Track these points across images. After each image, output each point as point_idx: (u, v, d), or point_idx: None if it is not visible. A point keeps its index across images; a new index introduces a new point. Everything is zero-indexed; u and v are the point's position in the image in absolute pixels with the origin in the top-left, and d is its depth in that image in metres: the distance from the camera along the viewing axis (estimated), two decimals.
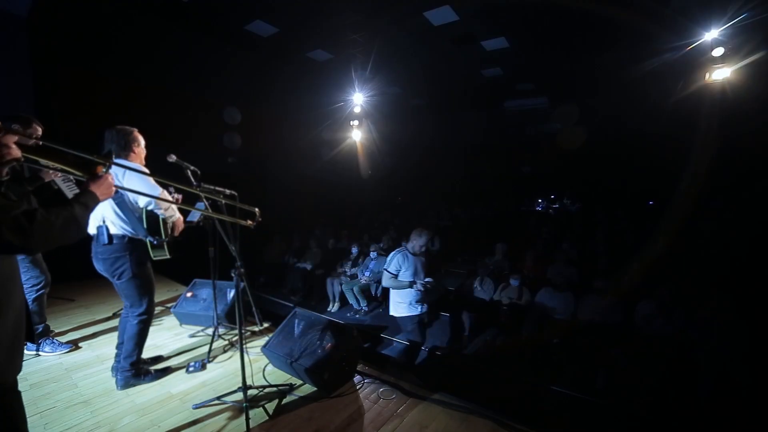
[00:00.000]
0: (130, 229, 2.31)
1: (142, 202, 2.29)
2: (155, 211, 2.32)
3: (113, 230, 2.30)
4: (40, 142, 1.45)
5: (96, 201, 1.36)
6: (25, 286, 2.91)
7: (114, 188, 1.46)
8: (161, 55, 6.42)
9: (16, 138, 1.23)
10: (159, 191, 2.27)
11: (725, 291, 3.76)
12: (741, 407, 3.04)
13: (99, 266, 2.38)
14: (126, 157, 2.33)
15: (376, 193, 11.91)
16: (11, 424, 1.24)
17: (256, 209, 2.20)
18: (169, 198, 2.38)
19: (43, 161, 1.35)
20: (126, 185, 2.17)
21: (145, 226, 2.31)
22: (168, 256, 2.46)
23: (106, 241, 2.29)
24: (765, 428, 2.92)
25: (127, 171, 2.17)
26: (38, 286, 2.96)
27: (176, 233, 2.53)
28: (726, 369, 3.16)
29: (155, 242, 2.35)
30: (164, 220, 2.37)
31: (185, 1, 5.28)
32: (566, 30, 6.12)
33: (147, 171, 2.25)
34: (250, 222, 2.17)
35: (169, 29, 6.03)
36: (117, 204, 2.25)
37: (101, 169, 1.43)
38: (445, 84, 9.32)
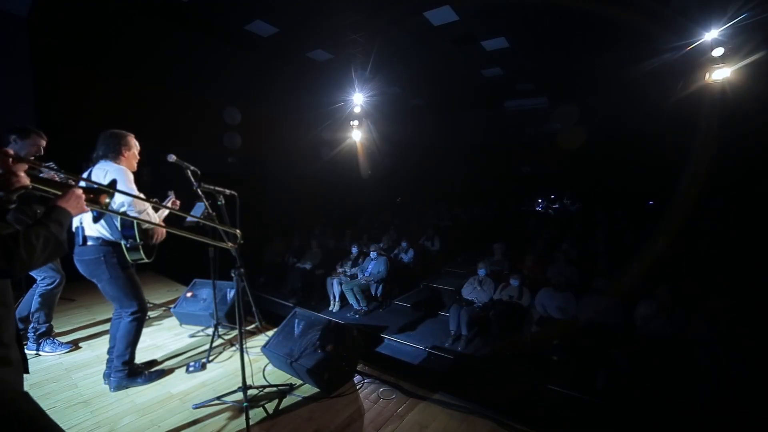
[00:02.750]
0: (104, 232, 2.31)
1: (116, 204, 2.27)
2: (128, 212, 2.30)
3: (88, 232, 2.30)
4: (42, 166, 1.46)
5: (68, 216, 1.34)
6: (39, 285, 2.97)
7: (85, 203, 1.41)
8: (161, 55, 6.42)
9: (26, 167, 1.24)
10: (134, 193, 2.23)
11: (725, 291, 3.76)
12: (741, 407, 3.04)
13: (80, 268, 2.38)
14: (114, 160, 2.33)
15: (376, 193, 11.92)
16: (35, 425, 1.24)
17: (238, 231, 2.18)
18: (147, 203, 2.35)
19: (44, 188, 1.35)
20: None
21: (119, 228, 2.31)
22: (145, 259, 2.44)
23: (81, 243, 2.30)
24: (765, 428, 2.92)
25: (108, 174, 2.19)
26: (53, 285, 3.01)
27: (156, 241, 2.51)
28: (726, 369, 3.16)
29: (128, 245, 2.34)
30: (139, 224, 2.35)
31: (185, 1, 5.28)
32: (566, 30, 6.13)
33: (130, 175, 2.26)
34: (231, 245, 2.17)
35: (169, 29, 6.03)
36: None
37: (105, 198, 1.45)
38: (445, 84, 9.32)
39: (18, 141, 2.59)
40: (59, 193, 1.37)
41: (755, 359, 3.14)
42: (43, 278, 2.97)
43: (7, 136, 2.57)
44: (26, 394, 1.24)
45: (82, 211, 1.42)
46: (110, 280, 2.36)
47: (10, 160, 1.19)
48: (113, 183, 1.56)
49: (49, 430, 1.25)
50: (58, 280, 3.03)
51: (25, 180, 1.23)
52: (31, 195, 2.49)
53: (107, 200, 1.49)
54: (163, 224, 2.31)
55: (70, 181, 1.46)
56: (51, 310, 3.08)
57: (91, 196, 1.44)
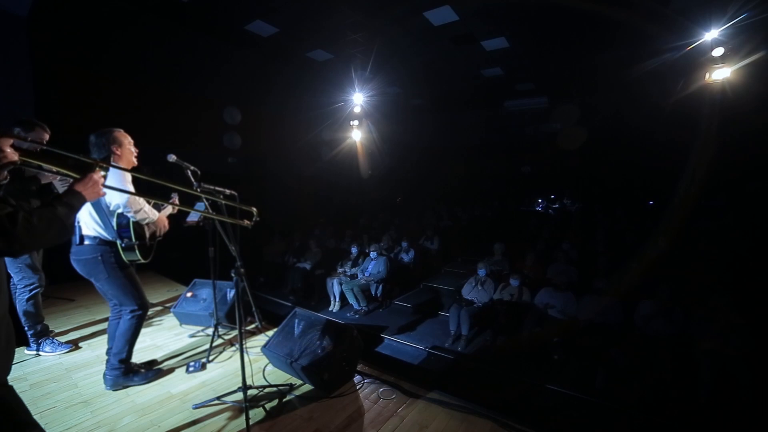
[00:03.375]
0: (102, 231, 2.30)
1: (112, 205, 2.27)
2: (125, 213, 2.29)
3: (85, 231, 2.30)
4: (38, 148, 1.44)
5: (82, 201, 1.35)
6: (18, 286, 2.91)
7: (102, 189, 1.44)
8: (161, 55, 6.43)
9: (11, 141, 1.22)
10: (128, 195, 2.22)
11: (725, 291, 3.76)
12: (741, 407, 3.04)
13: (77, 267, 2.36)
14: (110, 160, 2.29)
15: (376, 193, 11.92)
16: (15, 418, 1.24)
17: (254, 209, 2.19)
18: (143, 202, 2.33)
19: (40, 164, 1.33)
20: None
21: (114, 227, 2.30)
22: (141, 260, 2.42)
23: (78, 242, 2.30)
24: (765, 428, 2.92)
25: (108, 176, 2.18)
26: (31, 286, 2.95)
27: (159, 233, 2.50)
28: (726, 369, 3.16)
29: (123, 244, 2.33)
30: (136, 223, 2.34)
31: (185, 1, 5.28)
32: (566, 30, 6.13)
33: (128, 175, 2.24)
34: (247, 222, 2.17)
35: (169, 29, 6.03)
36: (92, 205, 2.24)
37: (99, 173, 1.42)
38: (445, 84, 9.33)
39: (21, 133, 2.57)
40: (65, 171, 1.37)
41: (755, 359, 3.14)
42: (21, 279, 2.89)
43: (11, 129, 2.55)
44: (10, 387, 1.24)
45: (98, 196, 1.44)
46: (108, 280, 2.36)
47: None
48: (106, 158, 1.53)
49: (30, 427, 1.25)
50: (36, 282, 2.95)
51: (13, 156, 1.21)
52: (28, 189, 2.50)
53: (102, 173, 1.47)
54: (163, 217, 2.28)
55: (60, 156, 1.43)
56: (39, 309, 3.04)
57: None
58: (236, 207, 2.23)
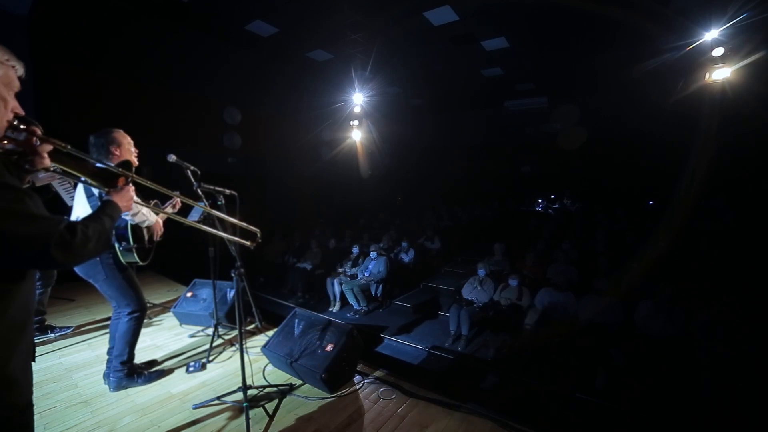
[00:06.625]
0: None
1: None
2: (122, 216, 2.28)
3: None
4: (68, 148, 1.42)
5: (119, 213, 1.34)
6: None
7: (133, 201, 1.44)
8: (162, 54, 6.43)
9: (51, 148, 1.20)
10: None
11: (726, 291, 3.76)
12: (741, 408, 3.04)
13: (76, 268, 2.33)
14: (109, 161, 2.28)
15: (376, 193, 11.93)
16: None
17: (258, 230, 2.21)
18: (140, 205, 2.30)
19: (70, 171, 1.31)
20: None
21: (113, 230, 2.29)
22: (139, 262, 2.42)
23: None
24: (765, 429, 2.92)
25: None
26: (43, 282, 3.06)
27: (156, 237, 2.50)
28: (726, 369, 3.16)
29: (121, 247, 2.33)
30: (133, 226, 2.33)
31: (185, 1, 5.28)
32: (566, 30, 6.13)
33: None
34: (250, 243, 2.18)
35: (169, 29, 6.03)
36: (92, 207, 2.23)
37: (123, 182, 1.41)
38: (445, 84, 9.34)
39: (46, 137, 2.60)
40: (91, 181, 1.36)
41: (755, 359, 3.14)
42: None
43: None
44: (32, 407, 1.24)
45: (129, 210, 1.43)
46: (107, 280, 2.35)
47: (34, 139, 1.14)
48: (124, 164, 1.49)
49: None
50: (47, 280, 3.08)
51: (47, 161, 1.19)
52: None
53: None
54: (164, 212, 2.25)
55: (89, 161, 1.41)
56: (44, 306, 3.17)
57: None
58: (241, 227, 2.24)
